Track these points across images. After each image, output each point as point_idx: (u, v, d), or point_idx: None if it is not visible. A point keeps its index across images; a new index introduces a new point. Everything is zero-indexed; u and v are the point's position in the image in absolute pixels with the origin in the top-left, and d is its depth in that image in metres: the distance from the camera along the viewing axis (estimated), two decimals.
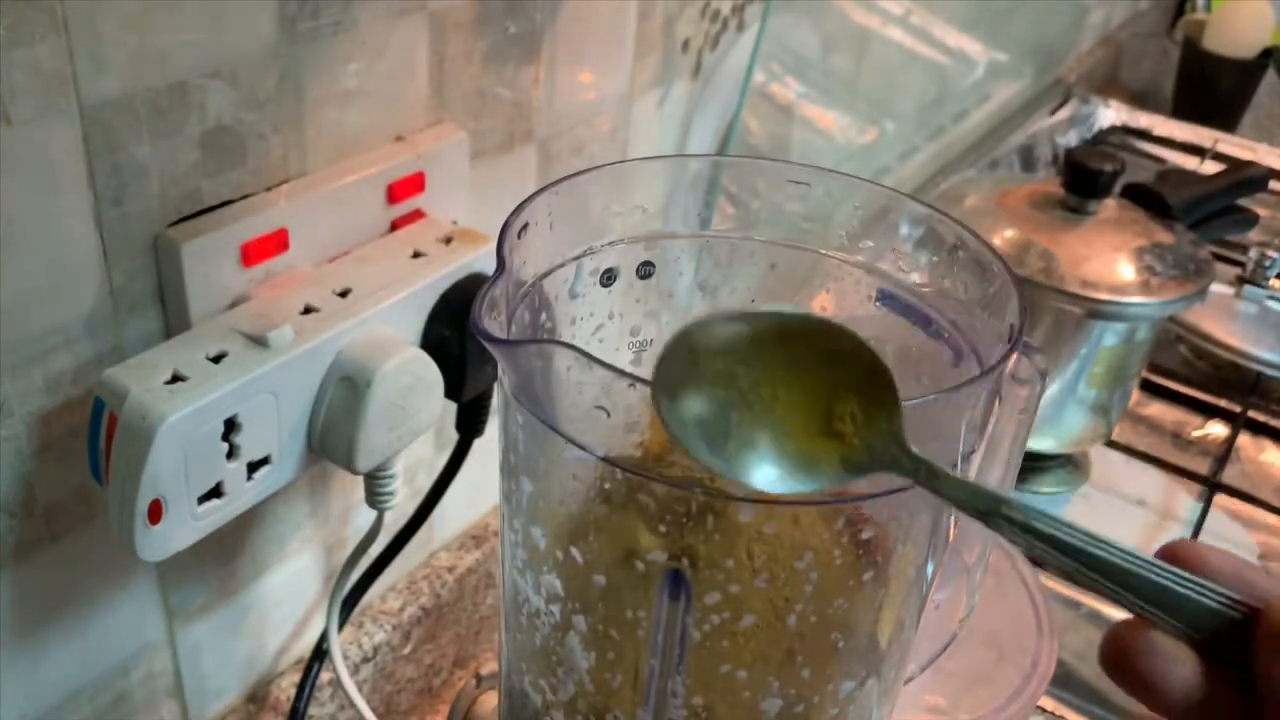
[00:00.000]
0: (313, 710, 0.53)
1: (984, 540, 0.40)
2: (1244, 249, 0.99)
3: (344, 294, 0.42)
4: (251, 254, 0.41)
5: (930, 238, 0.37)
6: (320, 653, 0.51)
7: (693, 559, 0.32)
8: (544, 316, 0.37)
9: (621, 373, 0.29)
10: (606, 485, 0.33)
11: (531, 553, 0.34)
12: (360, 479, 0.48)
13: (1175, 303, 0.73)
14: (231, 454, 0.39)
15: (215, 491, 0.39)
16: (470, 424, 0.51)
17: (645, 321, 0.40)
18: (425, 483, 0.55)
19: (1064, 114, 1.27)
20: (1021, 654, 0.52)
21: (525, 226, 0.34)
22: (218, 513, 0.39)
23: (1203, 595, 0.25)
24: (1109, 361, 0.77)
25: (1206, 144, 1.26)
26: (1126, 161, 0.79)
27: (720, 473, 0.28)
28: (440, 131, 0.49)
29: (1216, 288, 0.80)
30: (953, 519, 0.35)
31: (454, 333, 0.45)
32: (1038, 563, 0.70)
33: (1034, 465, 0.82)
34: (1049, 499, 0.81)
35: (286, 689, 0.53)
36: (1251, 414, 0.90)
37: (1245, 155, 1.23)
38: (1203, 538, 0.76)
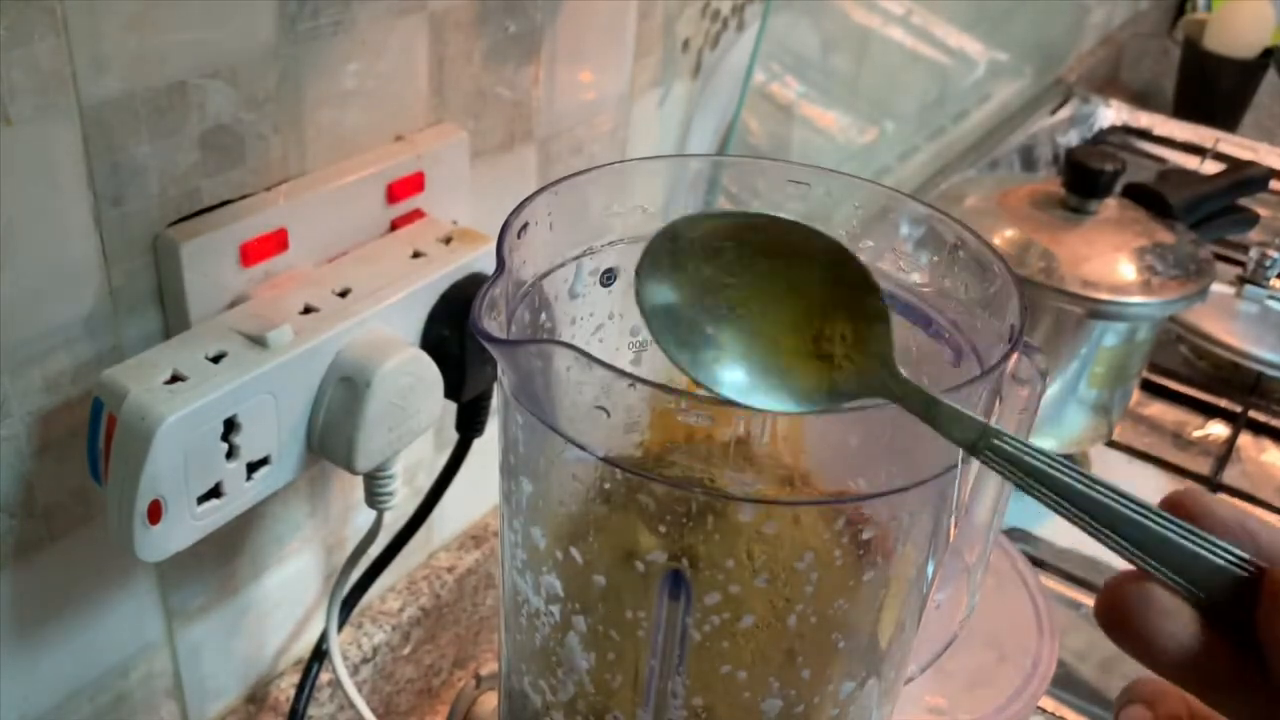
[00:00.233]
0: (312, 711, 0.53)
1: (985, 540, 0.40)
2: (1245, 249, 0.99)
3: (343, 294, 0.42)
4: (251, 254, 0.41)
5: (931, 237, 0.37)
6: (320, 653, 0.51)
7: (693, 559, 0.32)
8: (544, 316, 0.36)
9: (621, 373, 0.29)
10: (606, 485, 0.33)
11: (531, 553, 0.34)
12: (360, 479, 0.48)
13: (1176, 302, 0.73)
14: (231, 454, 0.39)
15: (214, 492, 0.39)
16: (470, 424, 0.51)
17: None
18: (425, 483, 0.55)
19: (1064, 114, 1.27)
20: (1022, 654, 0.52)
21: (525, 226, 0.34)
22: (217, 513, 0.39)
23: (1207, 550, 0.24)
24: (1110, 361, 0.77)
25: (1207, 144, 1.26)
26: (1127, 161, 0.78)
27: (690, 375, 0.27)
28: (440, 131, 0.49)
29: (1217, 287, 0.80)
30: (953, 519, 0.35)
31: (454, 333, 0.45)
32: (1040, 563, 0.70)
33: None
34: None
35: (286, 689, 0.53)
36: (1252, 414, 0.90)
37: (1246, 155, 1.23)
38: None
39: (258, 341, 0.39)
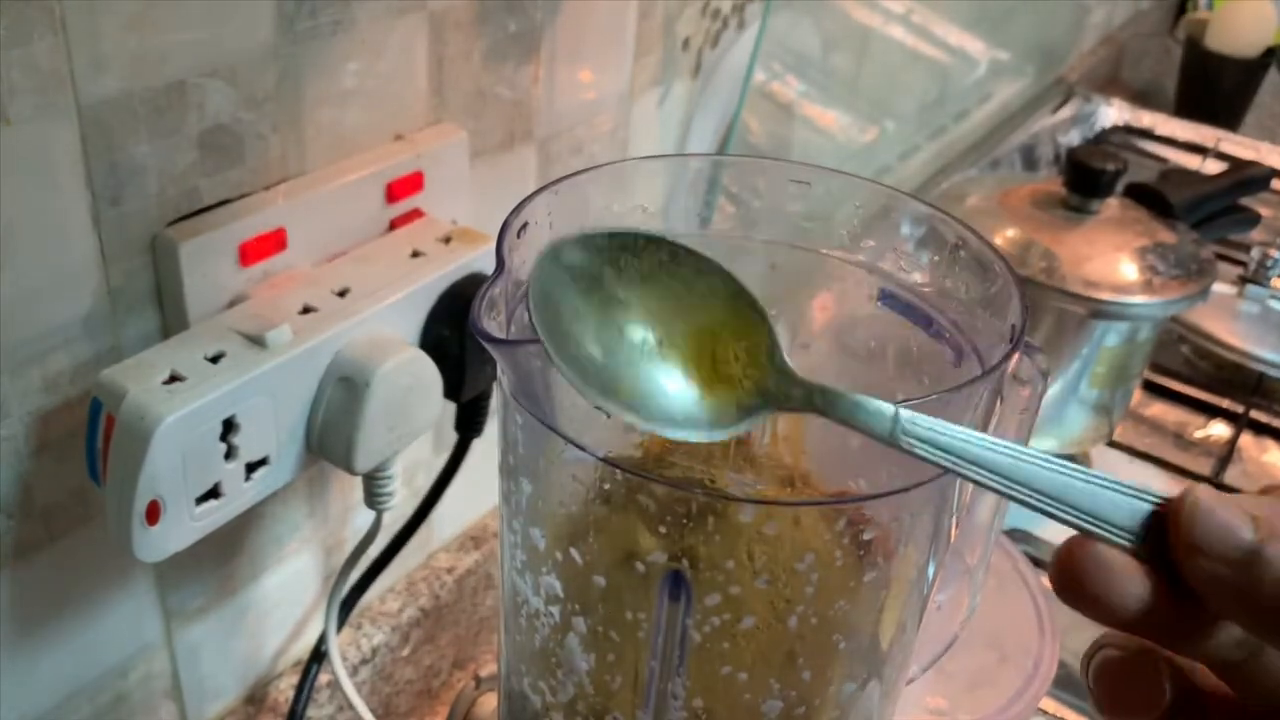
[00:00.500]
0: (311, 712, 0.53)
1: (986, 541, 0.40)
2: (1246, 248, 0.99)
3: (342, 294, 0.42)
4: (250, 253, 0.41)
5: (932, 237, 0.37)
6: (319, 654, 0.51)
7: (693, 560, 0.32)
8: None
9: None
10: (606, 486, 0.33)
11: (531, 554, 0.34)
12: (359, 480, 0.48)
13: (1177, 302, 0.73)
14: (230, 454, 0.39)
15: (213, 492, 0.39)
16: (469, 424, 0.51)
17: None
18: (424, 483, 0.54)
19: (1066, 113, 1.27)
20: (1023, 655, 0.52)
21: (525, 226, 0.34)
22: (216, 513, 0.39)
23: (1133, 497, 0.25)
24: (1111, 361, 0.77)
25: (1209, 143, 1.26)
26: (1128, 161, 0.78)
27: (628, 420, 0.27)
28: (439, 131, 0.48)
29: (1219, 287, 0.80)
30: (954, 519, 0.35)
31: (453, 333, 0.45)
32: (1041, 564, 0.70)
33: None
34: None
35: (285, 690, 0.53)
36: (1254, 414, 0.90)
37: (1247, 154, 1.23)
38: None
39: (256, 341, 0.39)
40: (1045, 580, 0.56)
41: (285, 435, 0.41)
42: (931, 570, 0.35)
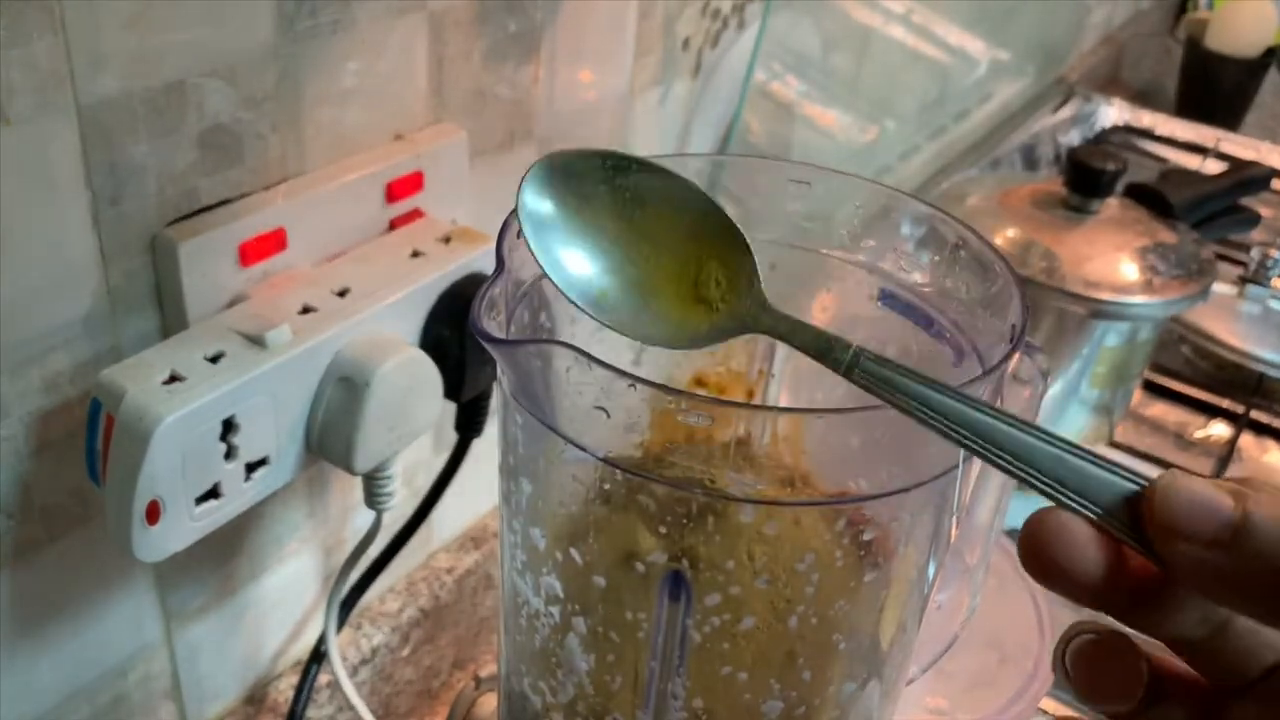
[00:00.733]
0: (311, 712, 0.53)
1: (986, 541, 0.40)
2: (1246, 248, 0.99)
3: (342, 294, 0.42)
4: (249, 253, 0.41)
5: (932, 237, 0.37)
6: (319, 654, 0.51)
7: (693, 560, 0.32)
8: (543, 316, 0.36)
9: (621, 373, 0.29)
10: (606, 486, 0.33)
11: (531, 554, 0.34)
12: (359, 480, 0.48)
13: (1178, 302, 0.73)
14: (229, 454, 0.39)
15: (213, 492, 0.39)
16: (469, 424, 0.51)
17: None
18: (424, 483, 0.54)
19: (1066, 113, 1.27)
20: (1023, 655, 0.52)
21: None
22: (216, 513, 0.39)
23: (1103, 469, 0.24)
24: (1111, 361, 0.77)
25: (1209, 143, 1.26)
26: (1129, 161, 0.78)
27: (601, 322, 0.29)
28: (439, 130, 0.48)
29: (1219, 287, 0.80)
30: (954, 520, 0.35)
31: (453, 333, 0.45)
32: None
33: None
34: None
35: (285, 690, 0.53)
36: (1254, 415, 0.90)
37: (1248, 154, 1.23)
38: None
39: (256, 341, 0.39)
40: None
41: (285, 435, 0.41)
42: (931, 570, 0.35)
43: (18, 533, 0.39)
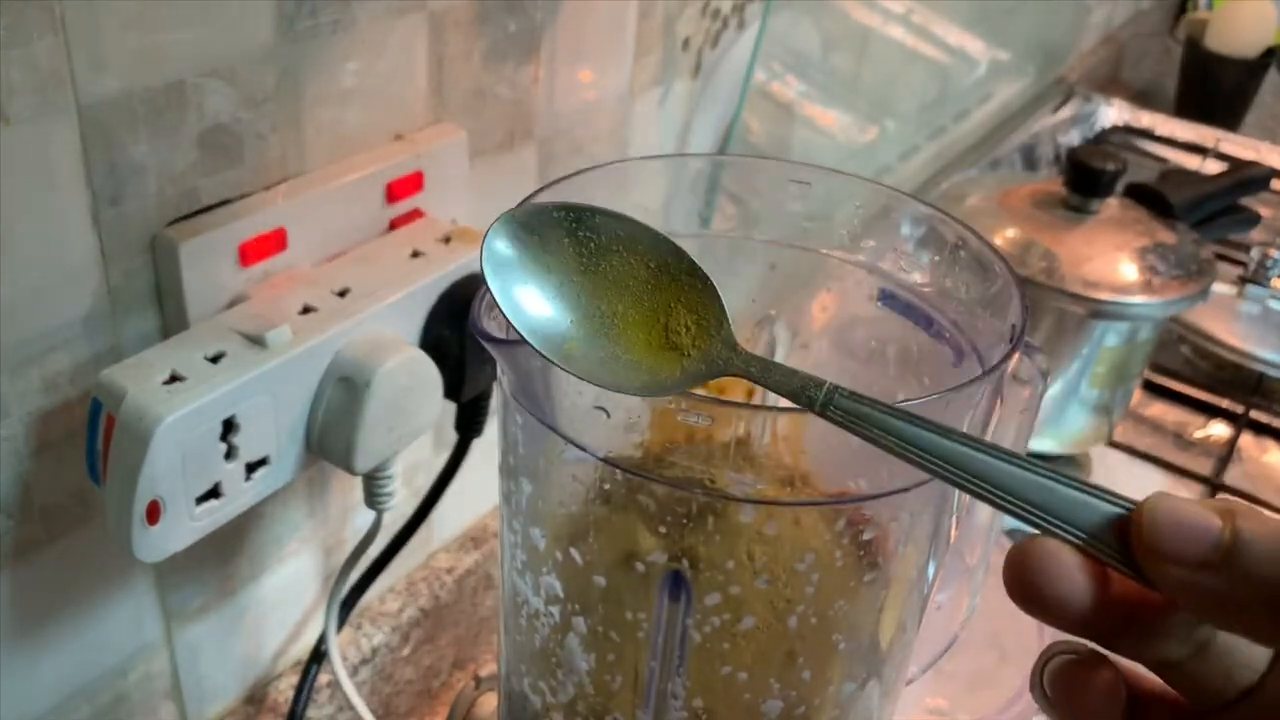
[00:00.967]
0: (311, 712, 0.53)
1: (986, 541, 0.40)
2: (1246, 249, 0.99)
3: (342, 294, 0.42)
4: (250, 253, 0.41)
5: (932, 237, 0.37)
6: (319, 654, 0.51)
7: (693, 560, 0.32)
8: None
9: None
10: (606, 486, 0.33)
11: (531, 554, 0.34)
12: (359, 480, 0.48)
13: (1177, 302, 0.73)
14: (230, 454, 0.39)
15: (213, 492, 0.39)
16: (469, 424, 0.51)
17: None
18: (424, 483, 0.54)
19: (1066, 113, 1.27)
20: (1023, 655, 0.52)
21: None
22: (216, 513, 0.39)
23: (1092, 496, 0.24)
24: (1111, 361, 0.77)
25: (1209, 143, 1.26)
26: (1128, 161, 0.78)
27: (572, 373, 0.29)
28: (439, 130, 0.48)
29: (1218, 287, 0.80)
30: (954, 519, 0.35)
31: (453, 332, 0.45)
32: None
33: None
34: None
35: (285, 690, 0.53)
36: (1254, 414, 0.90)
37: (1247, 155, 1.23)
38: None
39: (256, 341, 0.39)
40: None
41: (285, 435, 0.41)
42: (931, 570, 0.35)
43: (18, 533, 0.39)
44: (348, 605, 0.52)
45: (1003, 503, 0.25)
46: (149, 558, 0.38)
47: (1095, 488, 0.24)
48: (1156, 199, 0.81)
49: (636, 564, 0.32)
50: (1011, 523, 0.70)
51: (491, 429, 0.47)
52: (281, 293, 0.42)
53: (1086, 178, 0.76)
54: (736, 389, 0.42)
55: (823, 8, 0.80)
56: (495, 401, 0.48)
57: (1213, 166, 1.16)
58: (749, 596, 0.32)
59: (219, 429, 0.38)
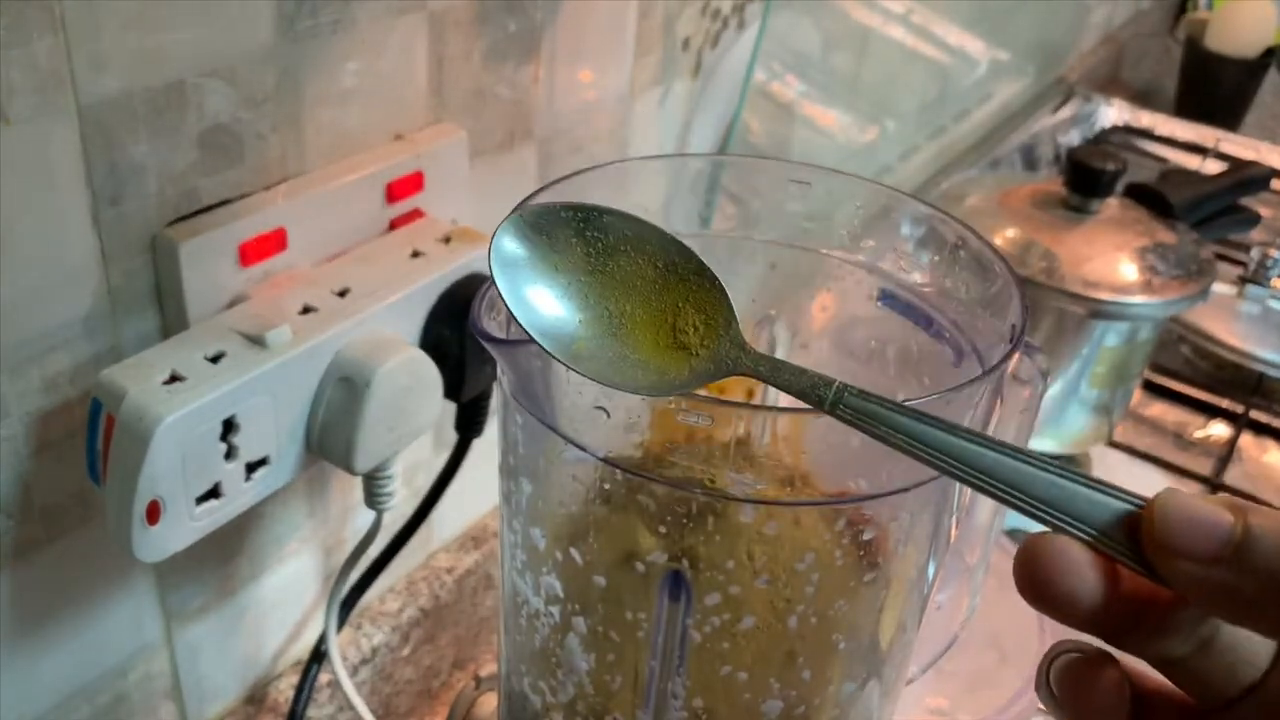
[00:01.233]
0: (311, 712, 0.53)
1: (986, 541, 0.40)
2: (1246, 249, 0.98)
3: (342, 294, 0.42)
4: (250, 253, 0.41)
5: (932, 237, 0.37)
6: (319, 654, 0.51)
7: (693, 560, 0.32)
8: None
9: None
10: (606, 486, 0.33)
11: (531, 554, 0.34)
12: (359, 480, 0.48)
13: (1177, 302, 0.73)
14: (230, 454, 0.39)
15: (213, 492, 0.39)
16: (469, 424, 0.51)
17: None
18: (424, 483, 0.54)
19: (1066, 113, 1.27)
20: (1023, 656, 0.52)
21: None
22: (216, 513, 0.39)
23: (1099, 492, 0.24)
24: (1111, 361, 0.77)
25: (1209, 143, 1.26)
26: (1128, 161, 0.78)
27: (580, 373, 0.29)
28: (439, 130, 0.48)
29: (1218, 287, 0.80)
30: (954, 519, 0.35)
31: (453, 332, 0.45)
32: None
33: None
34: None
35: (285, 690, 0.53)
36: (1254, 414, 0.90)
37: (1247, 154, 1.23)
38: None
39: (256, 341, 0.39)
40: None
41: (285, 435, 0.41)
42: (931, 570, 0.35)
43: (18, 533, 0.39)
44: (348, 605, 0.52)
45: (1012, 499, 0.25)
46: (149, 558, 0.38)
47: (1105, 484, 0.24)
48: (1156, 199, 0.81)
49: (636, 564, 0.32)
50: (1012, 522, 0.70)
51: (491, 429, 0.47)
52: (281, 293, 0.42)
53: (1086, 178, 0.76)
54: (737, 389, 0.42)
55: (823, 8, 0.80)
56: (495, 401, 0.48)
57: (1213, 166, 1.16)
58: (749, 596, 0.32)
59: (219, 429, 0.38)
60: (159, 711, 0.48)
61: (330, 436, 0.42)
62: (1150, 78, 1.54)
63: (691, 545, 0.32)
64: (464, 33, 0.48)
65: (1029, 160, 1.19)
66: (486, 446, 0.51)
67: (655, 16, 0.59)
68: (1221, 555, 0.23)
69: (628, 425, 0.32)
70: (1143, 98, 1.45)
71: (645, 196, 0.38)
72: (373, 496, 0.47)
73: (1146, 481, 0.82)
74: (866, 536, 0.33)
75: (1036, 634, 0.53)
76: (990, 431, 0.34)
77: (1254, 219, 0.91)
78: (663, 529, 0.31)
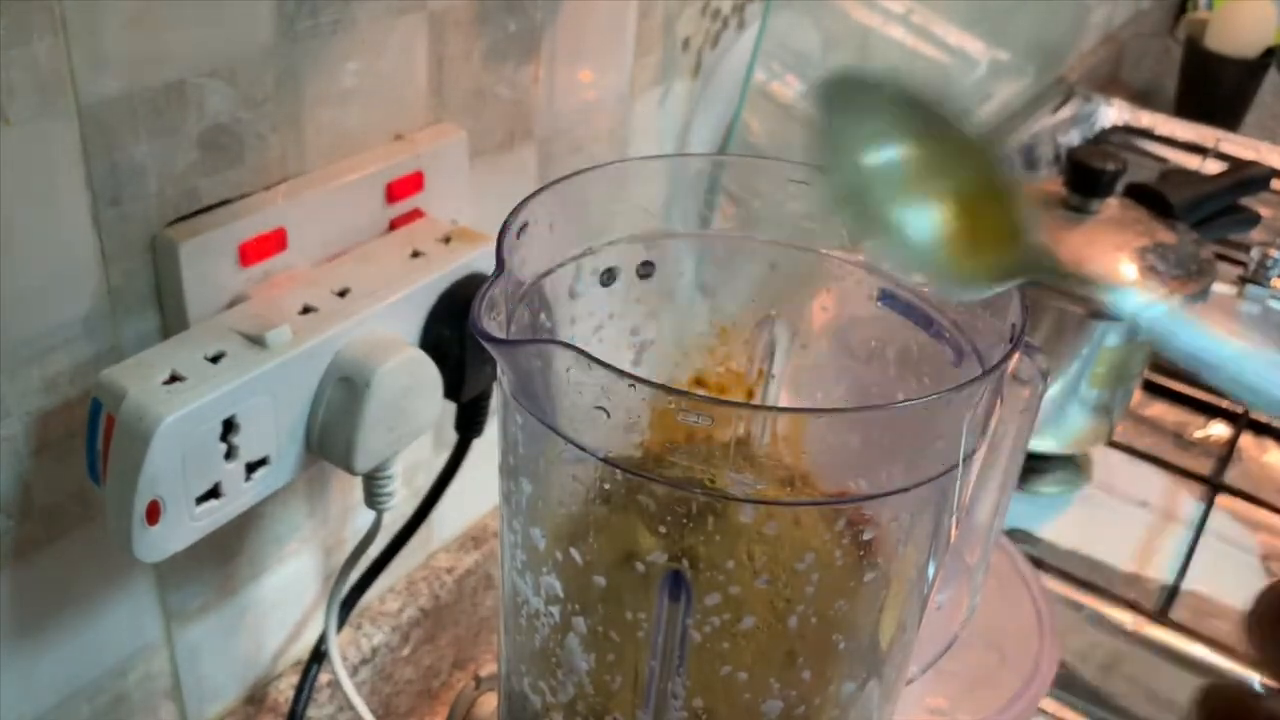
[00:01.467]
0: (311, 712, 0.53)
1: (986, 541, 0.40)
2: (1246, 248, 0.98)
3: (342, 294, 0.42)
4: (250, 253, 0.41)
5: None
6: (319, 654, 0.51)
7: (693, 560, 0.32)
8: (543, 316, 0.36)
9: (621, 373, 0.29)
10: (606, 486, 0.33)
11: (531, 554, 0.34)
12: (359, 480, 0.48)
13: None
14: (230, 454, 0.39)
15: (213, 492, 0.39)
16: (469, 424, 0.51)
17: (645, 321, 0.40)
18: (424, 483, 0.54)
19: (1066, 113, 1.27)
20: (1023, 656, 0.52)
21: (524, 226, 0.34)
22: (216, 513, 0.39)
23: None
24: (1111, 361, 0.77)
25: (1209, 143, 1.26)
26: (1128, 161, 0.78)
27: (886, 238, 0.28)
28: (439, 130, 0.48)
29: (1218, 287, 0.80)
30: (954, 520, 0.35)
31: (453, 333, 0.45)
32: (1041, 564, 0.70)
33: (1035, 466, 0.82)
34: (1050, 500, 0.81)
35: (285, 690, 0.53)
36: (1253, 414, 0.90)
37: (1247, 155, 1.23)
38: (1205, 539, 0.76)
39: (256, 341, 0.39)
40: (1046, 580, 0.56)
41: (285, 435, 0.41)
42: (931, 570, 0.35)
43: (18, 533, 0.39)
44: (348, 605, 0.52)
45: None
46: (149, 558, 0.38)
47: None
48: (1156, 199, 0.81)
49: (636, 564, 0.32)
50: (1012, 522, 0.70)
51: (491, 429, 0.47)
52: (281, 293, 0.42)
53: (1086, 178, 0.76)
54: (737, 389, 0.42)
55: (823, 8, 0.80)
56: (495, 401, 0.48)
57: (1213, 166, 1.16)
58: (749, 596, 0.32)
59: (219, 429, 0.38)
60: (159, 711, 0.48)
61: (330, 436, 0.42)
62: (1150, 78, 1.54)
63: (691, 545, 0.32)
64: (464, 33, 0.48)
65: (1029, 160, 1.19)
66: (486, 446, 0.51)
67: (655, 16, 0.59)
68: None
69: (628, 425, 0.32)
70: (1143, 98, 1.45)
71: (645, 196, 0.38)
72: (373, 496, 0.47)
73: (1147, 481, 0.82)
74: (866, 536, 0.33)
75: (1036, 634, 0.53)
76: (990, 431, 0.34)
77: (1254, 219, 0.91)
78: (663, 529, 0.31)
